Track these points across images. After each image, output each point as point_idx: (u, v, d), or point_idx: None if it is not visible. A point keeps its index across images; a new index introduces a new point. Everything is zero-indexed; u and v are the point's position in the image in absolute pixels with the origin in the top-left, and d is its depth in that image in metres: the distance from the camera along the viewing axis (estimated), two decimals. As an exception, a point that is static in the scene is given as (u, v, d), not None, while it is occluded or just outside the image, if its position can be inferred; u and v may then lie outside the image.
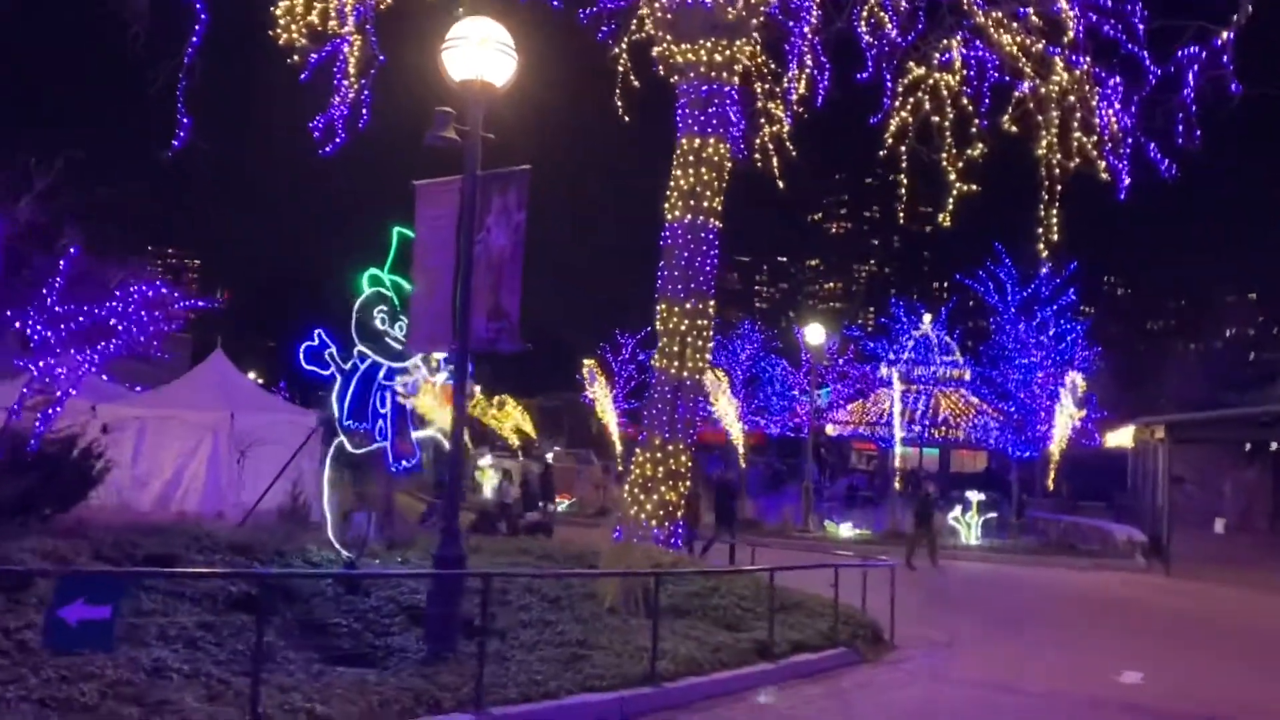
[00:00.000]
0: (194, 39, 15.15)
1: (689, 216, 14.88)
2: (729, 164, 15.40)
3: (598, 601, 10.67)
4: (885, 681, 11.07)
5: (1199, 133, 15.30)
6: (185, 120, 15.41)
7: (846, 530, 26.31)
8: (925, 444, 40.80)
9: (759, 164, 19.07)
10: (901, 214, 19.64)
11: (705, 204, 14.97)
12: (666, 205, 15.28)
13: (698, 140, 15.02)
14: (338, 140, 18.37)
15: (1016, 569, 23.33)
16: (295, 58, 17.14)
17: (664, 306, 15.05)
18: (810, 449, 27.85)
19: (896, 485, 30.24)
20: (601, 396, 33.37)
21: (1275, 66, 14.54)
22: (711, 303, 15.20)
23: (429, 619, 8.45)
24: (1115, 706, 10.50)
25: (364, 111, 18.06)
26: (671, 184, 15.16)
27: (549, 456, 35.92)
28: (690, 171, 14.95)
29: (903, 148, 18.78)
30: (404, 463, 10.86)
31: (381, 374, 10.76)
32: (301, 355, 10.35)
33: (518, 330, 8.69)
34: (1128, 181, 17.76)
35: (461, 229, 8.58)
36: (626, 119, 19.60)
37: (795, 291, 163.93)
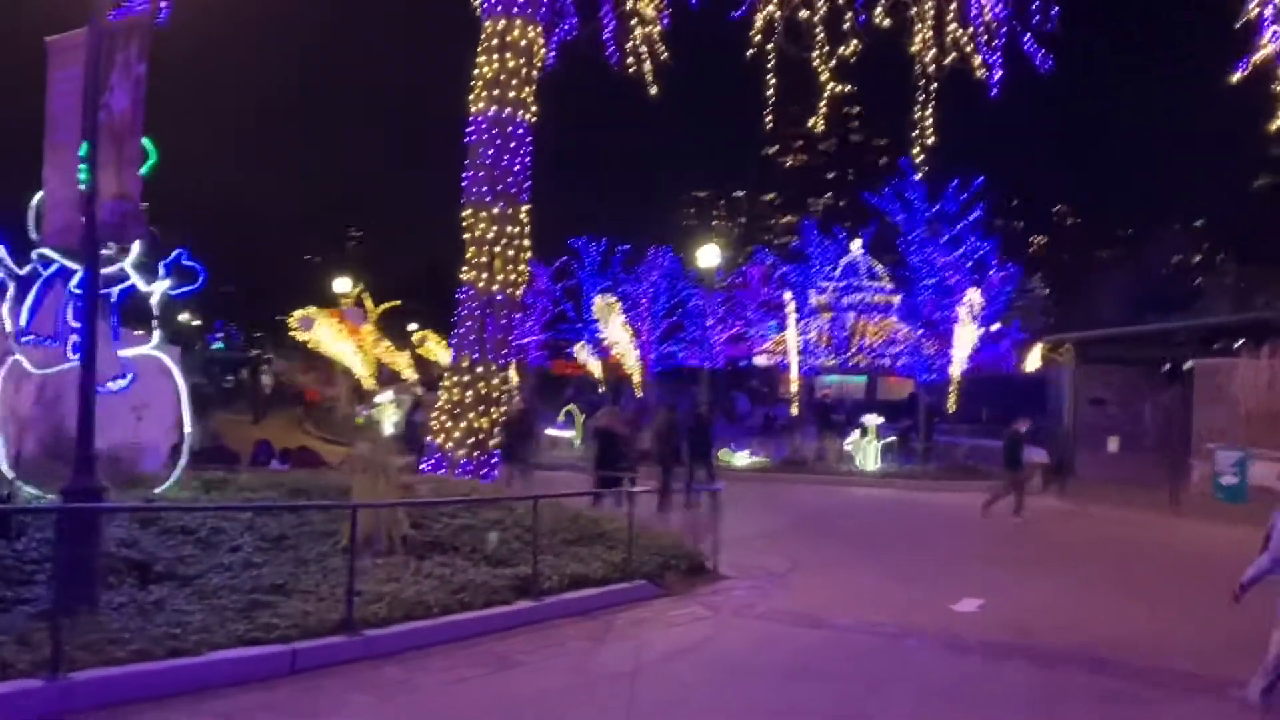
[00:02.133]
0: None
1: (494, 108, 13.23)
2: (541, 50, 13.72)
3: (335, 541, 9.30)
4: (670, 618, 9.83)
5: (1055, 10, 14.03)
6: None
7: (742, 459, 25.24)
8: (847, 372, 39.71)
9: (631, 69, 17.63)
10: (769, 119, 18.45)
11: (512, 94, 13.31)
12: (471, 96, 13.60)
13: (503, 21, 13.32)
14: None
15: (910, 494, 22.47)
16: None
17: (469, 212, 13.45)
18: (706, 379, 26.57)
19: (793, 411, 29.09)
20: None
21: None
22: (525, 208, 13.61)
23: (55, 564, 7.04)
24: (921, 638, 9.37)
25: (162, 6, 16.35)
26: (475, 72, 13.47)
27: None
28: (495, 57, 13.26)
29: (769, 46, 17.63)
30: (109, 385, 9.31)
31: (74, 281, 9.17)
32: (-43, 258, 8.76)
33: (141, 213, 7.16)
34: (1000, 75, 16.67)
35: (87, 92, 6.98)
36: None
37: (752, 226, 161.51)
